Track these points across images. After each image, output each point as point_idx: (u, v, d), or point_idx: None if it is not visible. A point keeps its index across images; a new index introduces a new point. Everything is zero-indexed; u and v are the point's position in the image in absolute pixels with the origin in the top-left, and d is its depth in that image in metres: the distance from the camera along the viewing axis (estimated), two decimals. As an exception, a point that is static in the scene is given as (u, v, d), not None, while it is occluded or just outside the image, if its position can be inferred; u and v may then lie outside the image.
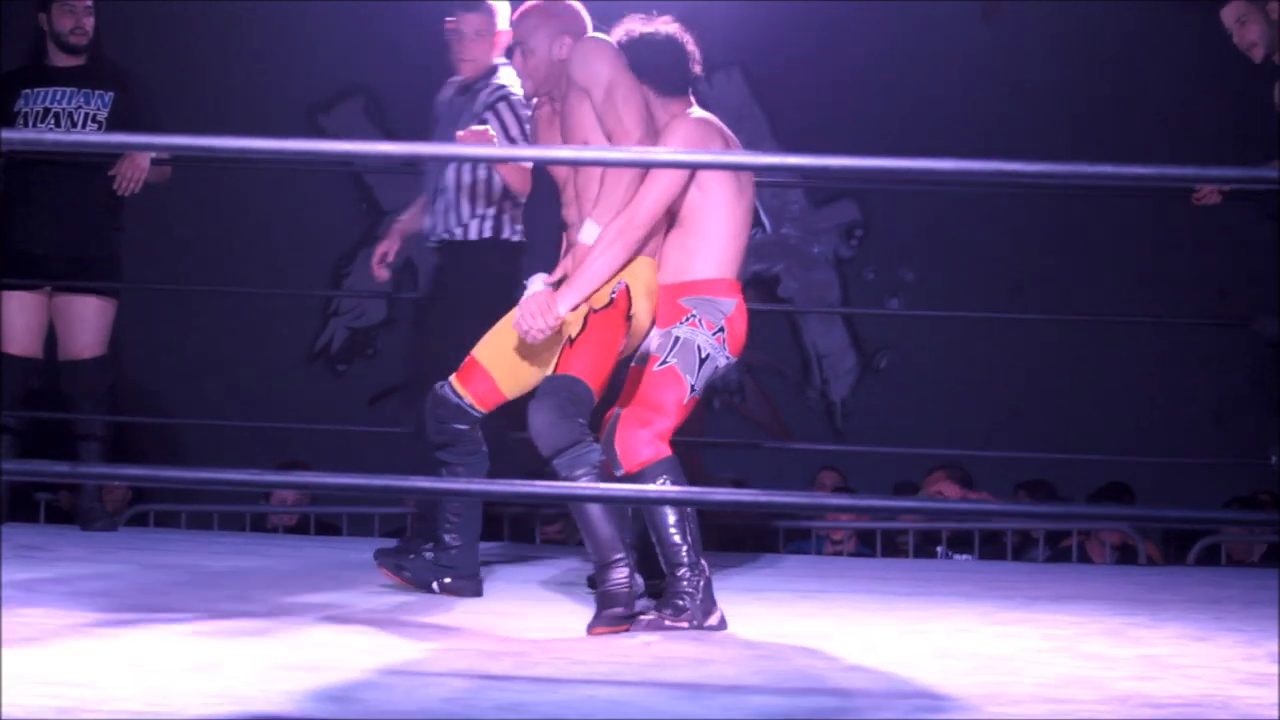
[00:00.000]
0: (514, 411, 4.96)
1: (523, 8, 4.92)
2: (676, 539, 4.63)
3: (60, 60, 6.66)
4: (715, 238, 4.85)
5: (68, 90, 6.62)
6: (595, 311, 4.61)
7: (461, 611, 4.78)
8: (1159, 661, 4.17)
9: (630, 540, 5.17)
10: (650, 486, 4.62)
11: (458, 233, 5.96)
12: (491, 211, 5.97)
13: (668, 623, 4.57)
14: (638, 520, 5.07)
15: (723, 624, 4.63)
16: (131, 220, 6.82)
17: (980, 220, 9.40)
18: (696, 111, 4.95)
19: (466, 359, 4.88)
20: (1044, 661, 4.15)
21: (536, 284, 4.69)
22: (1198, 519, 4.55)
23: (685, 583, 4.61)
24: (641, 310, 4.70)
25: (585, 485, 4.53)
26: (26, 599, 4.48)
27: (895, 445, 8.34)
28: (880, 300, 9.85)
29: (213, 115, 9.13)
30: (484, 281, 5.97)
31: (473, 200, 5.96)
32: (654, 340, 4.84)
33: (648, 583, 5.11)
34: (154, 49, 9.01)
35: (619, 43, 4.82)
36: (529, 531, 7.53)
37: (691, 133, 4.84)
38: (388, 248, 6.14)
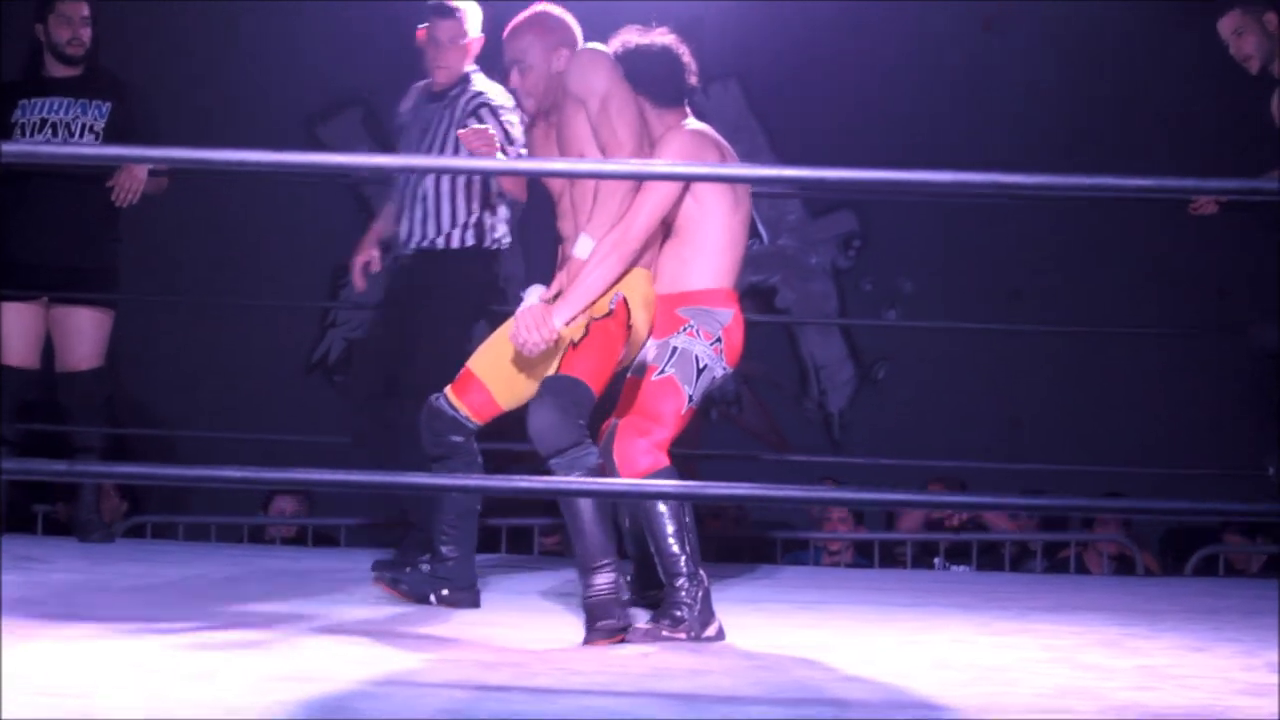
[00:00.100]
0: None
1: (514, 25, 4.89)
2: (675, 549, 4.63)
3: (57, 71, 6.67)
4: (712, 248, 4.85)
5: (64, 100, 6.63)
6: (596, 320, 4.62)
7: (459, 622, 4.78)
8: (1157, 672, 4.17)
9: (631, 551, 5.19)
10: (649, 483, 4.60)
11: (439, 241, 5.98)
12: (474, 219, 5.99)
13: (665, 633, 4.57)
14: (636, 531, 5.08)
15: (721, 635, 4.63)
16: (128, 231, 6.82)
17: (978, 231, 9.39)
18: (692, 123, 4.95)
19: (462, 371, 4.87)
20: (1042, 672, 4.15)
21: (533, 296, 4.69)
22: (1194, 510, 4.53)
23: (684, 593, 4.61)
24: (640, 321, 4.70)
25: (578, 505, 4.52)
26: (24, 609, 4.47)
27: (893, 457, 8.33)
28: (878, 311, 9.84)
29: (210, 126, 9.12)
30: (469, 291, 6.01)
31: (454, 208, 5.98)
32: (651, 351, 4.84)
33: (646, 593, 5.11)
34: (151, 59, 9.00)
35: (615, 54, 4.82)
36: (527, 543, 7.53)
37: (687, 144, 4.85)
38: (369, 257, 6.15)
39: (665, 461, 4.75)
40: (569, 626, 4.64)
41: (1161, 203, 7.81)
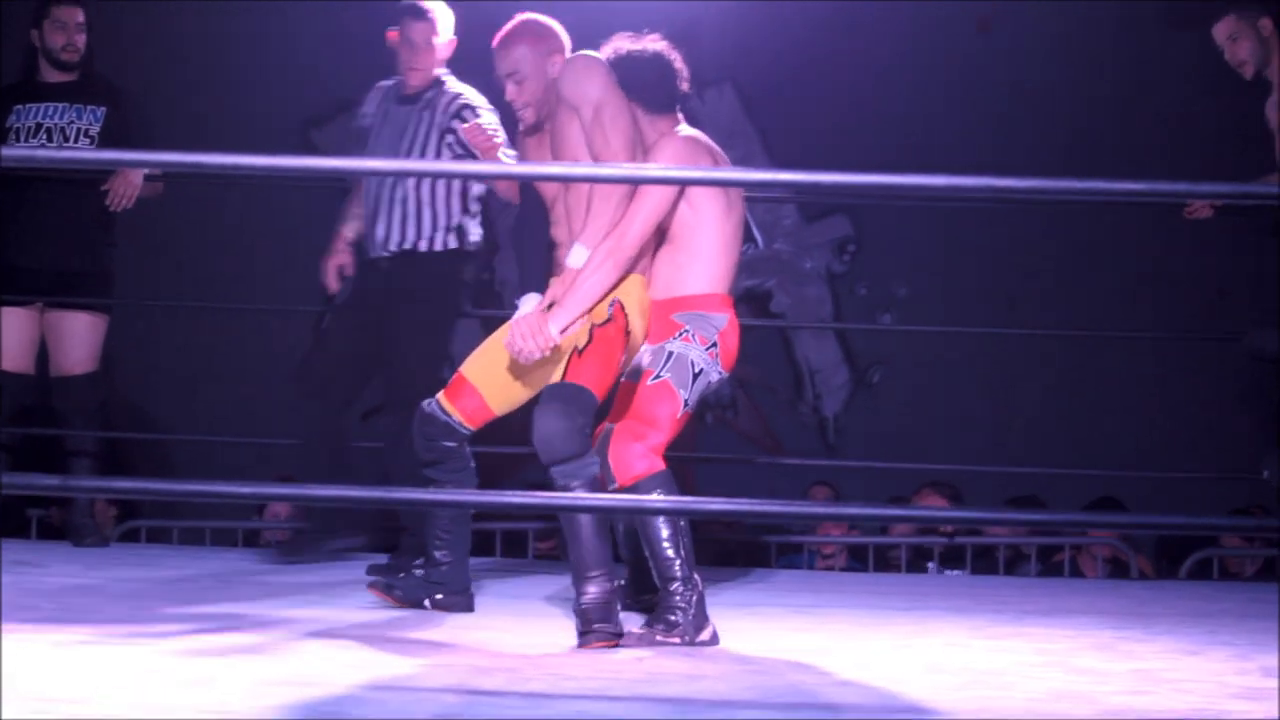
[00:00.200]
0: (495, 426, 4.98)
1: (503, 37, 4.83)
2: (670, 553, 4.63)
3: (52, 76, 6.67)
4: (707, 253, 4.86)
5: (60, 105, 6.63)
6: (598, 326, 4.62)
7: (453, 627, 4.78)
8: (1151, 676, 4.17)
9: (626, 556, 5.19)
10: (642, 499, 4.61)
11: (422, 244, 6.00)
12: (456, 222, 6.02)
13: (659, 638, 4.57)
14: (631, 535, 5.08)
15: (715, 639, 4.63)
16: (123, 235, 6.82)
17: (973, 235, 9.40)
18: (685, 129, 4.96)
19: (454, 376, 4.87)
20: (1036, 676, 4.15)
21: (529, 304, 4.68)
22: (1190, 525, 4.55)
23: (678, 597, 4.61)
24: (637, 327, 4.70)
25: (578, 496, 4.52)
26: (18, 614, 4.47)
27: (888, 460, 8.34)
28: (873, 315, 9.85)
29: (205, 130, 9.12)
30: (452, 293, 6.05)
31: (435, 211, 6.00)
32: (646, 356, 4.85)
33: (641, 598, 5.12)
34: (147, 64, 9.01)
35: (607, 60, 4.82)
36: (522, 547, 7.53)
37: (680, 151, 4.86)
38: (342, 260, 6.17)
39: (661, 466, 4.75)
40: (563, 631, 4.64)
41: (1157, 206, 7.82)
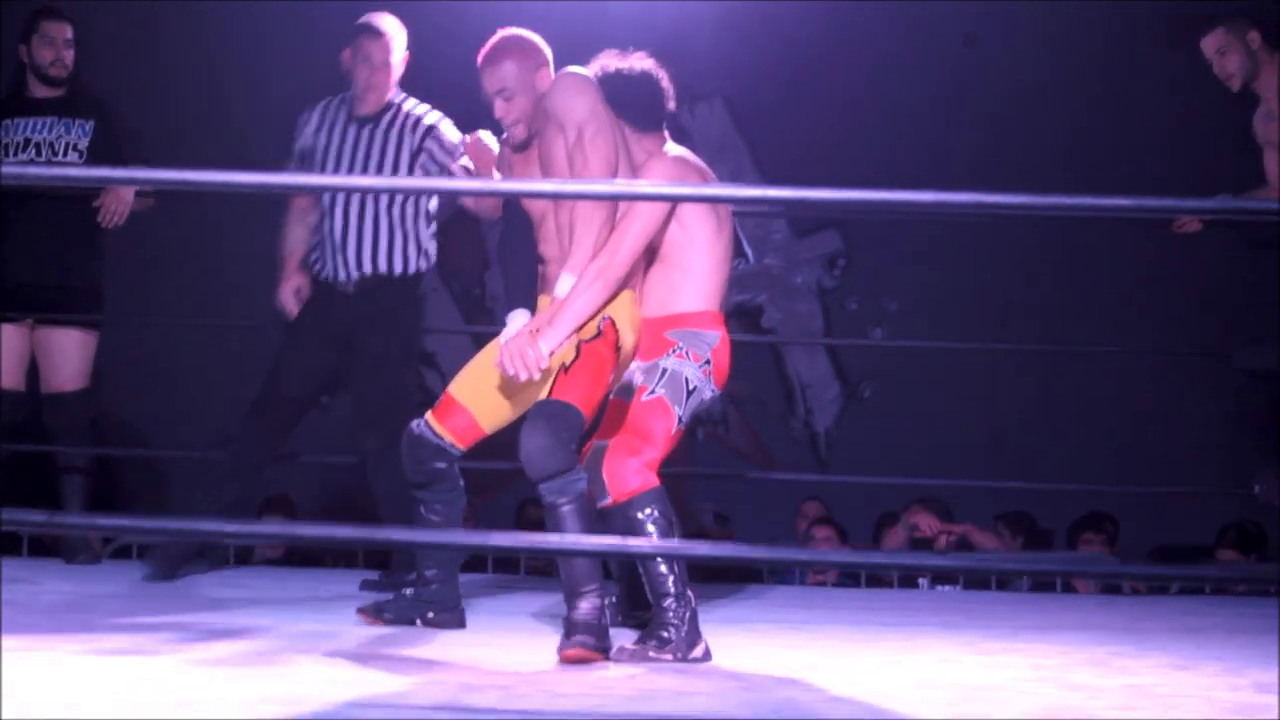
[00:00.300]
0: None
1: (488, 55, 4.76)
2: (663, 569, 4.63)
3: (40, 91, 6.68)
4: (698, 272, 4.87)
5: (48, 120, 6.63)
6: (586, 342, 4.60)
7: (444, 644, 4.77)
8: (1144, 691, 4.17)
9: (618, 573, 5.18)
10: (633, 544, 4.58)
11: (396, 268, 6.01)
12: (425, 245, 6.04)
13: (652, 654, 4.56)
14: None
15: (707, 656, 4.62)
16: (114, 250, 6.82)
17: (963, 250, 9.41)
18: (673, 149, 4.97)
19: (443, 396, 4.85)
20: (1029, 691, 4.15)
21: (517, 321, 4.65)
22: (1189, 576, 4.58)
23: (671, 613, 4.61)
24: (628, 342, 4.69)
25: (567, 521, 4.50)
26: (9, 631, 4.46)
27: (880, 475, 8.34)
28: (864, 330, 9.85)
29: (198, 143, 9.11)
30: (420, 313, 6.11)
31: (405, 232, 6.01)
32: (639, 373, 4.85)
33: (634, 614, 5.11)
34: (140, 75, 9.02)
35: (595, 78, 4.80)
36: (514, 563, 7.53)
37: (669, 170, 4.86)
38: (299, 284, 6.15)
39: (655, 482, 4.75)
40: (555, 648, 4.63)
41: (1148, 220, 7.83)
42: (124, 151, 6.61)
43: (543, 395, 4.57)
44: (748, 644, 4.96)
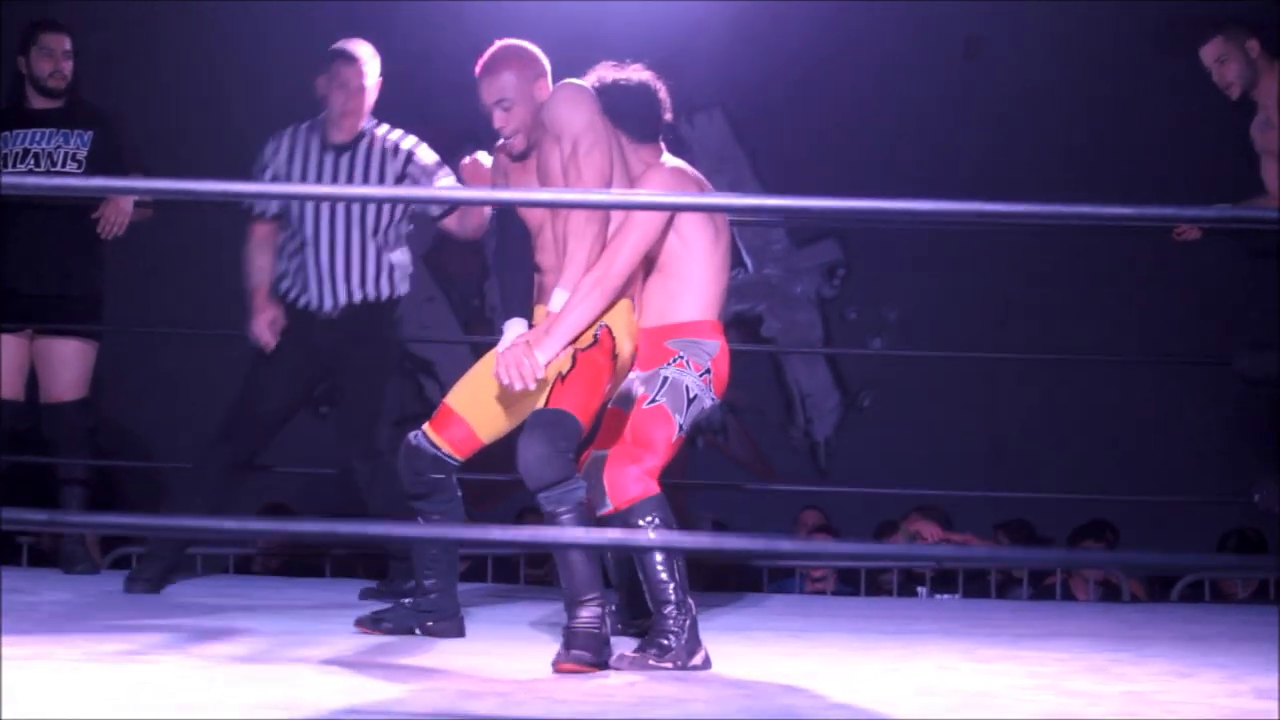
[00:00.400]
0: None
1: (486, 66, 4.74)
2: (664, 576, 4.63)
3: (39, 103, 6.68)
4: (697, 281, 4.88)
5: (47, 131, 6.64)
6: (582, 350, 4.60)
7: (444, 652, 4.77)
8: (1143, 698, 4.17)
9: (618, 580, 5.18)
10: (631, 537, 4.59)
11: (385, 291, 6.03)
12: (410, 268, 6.07)
13: (652, 662, 4.56)
14: (624, 561, 5.07)
15: (707, 663, 4.62)
16: (113, 259, 6.81)
17: (963, 259, 9.41)
18: (670, 160, 4.98)
19: (440, 407, 4.84)
20: (1028, 699, 4.14)
21: (514, 330, 4.64)
22: (1186, 565, 4.57)
23: (671, 621, 4.61)
24: (625, 350, 4.69)
25: (566, 527, 4.50)
26: (8, 642, 4.46)
27: (879, 484, 8.33)
28: (863, 339, 9.86)
29: (198, 145, 9.10)
30: (399, 332, 6.14)
31: (391, 261, 6.03)
32: (638, 382, 4.85)
33: (634, 622, 5.11)
34: (141, 76, 9.04)
35: (592, 89, 4.80)
36: (513, 572, 7.52)
37: (667, 181, 4.87)
38: (273, 315, 6.11)
39: (656, 489, 4.75)
40: (553, 657, 4.63)
41: (1148, 228, 7.83)
42: (124, 161, 6.61)
43: (540, 404, 4.57)
44: (747, 652, 4.96)
